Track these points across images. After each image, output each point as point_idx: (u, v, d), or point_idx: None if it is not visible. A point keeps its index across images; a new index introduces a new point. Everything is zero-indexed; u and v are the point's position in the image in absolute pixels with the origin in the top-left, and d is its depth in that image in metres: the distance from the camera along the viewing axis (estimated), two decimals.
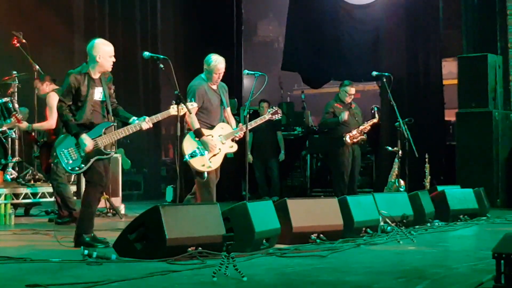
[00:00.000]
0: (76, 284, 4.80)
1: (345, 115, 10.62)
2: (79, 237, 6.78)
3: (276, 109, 8.65)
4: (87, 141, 6.74)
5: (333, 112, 10.80)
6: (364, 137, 10.81)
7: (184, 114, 7.43)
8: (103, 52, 6.90)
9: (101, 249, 6.17)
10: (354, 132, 10.67)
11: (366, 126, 10.81)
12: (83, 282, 4.83)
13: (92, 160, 6.83)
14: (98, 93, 6.92)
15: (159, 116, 7.10)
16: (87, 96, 6.82)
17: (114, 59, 6.98)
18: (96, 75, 6.92)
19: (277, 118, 8.75)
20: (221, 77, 8.23)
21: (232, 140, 8.20)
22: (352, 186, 10.82)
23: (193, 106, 7.34)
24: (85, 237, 6.76)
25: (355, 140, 10.70)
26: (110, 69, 7.00)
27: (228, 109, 8.38)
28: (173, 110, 7.08)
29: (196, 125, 7.99)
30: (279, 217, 6.97)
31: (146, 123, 6.96)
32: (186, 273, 5.27)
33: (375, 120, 10.95)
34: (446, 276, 5.30)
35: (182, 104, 6.98)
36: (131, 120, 6.99)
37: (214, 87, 8.26)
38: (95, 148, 6.82)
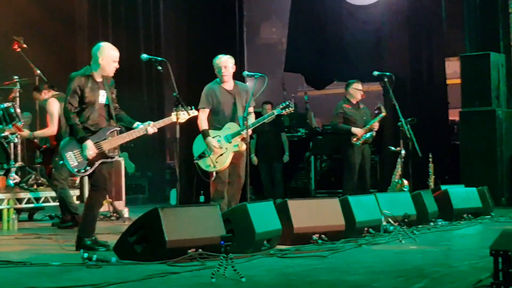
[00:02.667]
0: (75, 287, 4.80)
1: (358, 132, 10.52)
2: (80, 241, 6.79)
3: (288, 103, 8.58)
4: (90, 149, 6.75)
5: (343, 114, 10.74)
6: (368, 136, 10.69)
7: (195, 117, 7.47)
8: (107, 55, 6.90)
9: (101, 252, 6.18)
10: (360, 132, 10.56)
11: (374, 123, 10.67)
12: (83, 285, 4.83)
13: (97, 164, 6.85)
14: (102, 96, 6.94)
15: (161, 122, 7.14)
16: (91, 98, 6.83)
17: (117, 65, 6.97)
18: (99, 78, 6.92)
19: (288, 113, 8.70)
20: (229, 74, 8.31)
21: (242, 139, 8.18)
22: (364, 185, 10.72)
23: (193, 112, 7.33)
24: (86, 240, 6.76)
25: (362, 139, 10.61)
26: (111, 74, 7.00)
27: (250, 109, 8.29)
28: (174, 117, 7.12)
29: (203, 126, 8.12)
30: (280, 218, 6.95)
31: (151, 127, 6.98)
32: (185, 275, 5.26)
33: (383, 115, 10.79)
34: (446, 274, 5.28)
35: (181, 107, 6.98)
36: (135, 125, 7.01)
37: (228, 86, 8.34)
38: (99, 151, 6.84)
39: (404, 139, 10.22)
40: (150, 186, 15.30)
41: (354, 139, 10.52)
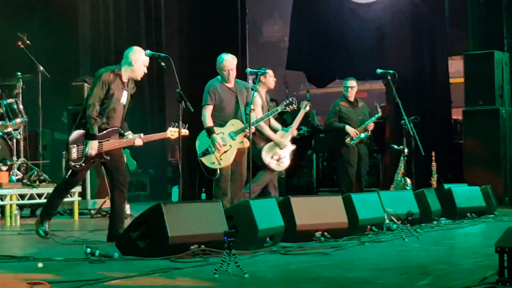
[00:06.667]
0: (78, 281, 4.78)
1: (351, 132, 10.54)
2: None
3: (291, 99, 8.63)
4: (93, 149, 6.99)
5: (339, 111, 10.75)
6: (363, 136, 10.66)
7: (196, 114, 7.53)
8: (141, 58, 7.16)
9: (104, 247, 6.16)
10: (353, 132, 10.55)
11: (369, 123, 10.69)
12: (86, 279, 4.81)
13: (91, 161, 7.12)
14: (124, 96, 7.17)
15: (152, 136, 7.41)
16: (116, 95, 7.06)
17: (146, 70, 7.24)
18: (125, 79, 7.16)
19: (292, 110, 8.76)
20: (233, 75, 8.41)
21: (245, 136, 8.23)
22: (359, 186, 10.77)
23: (186, 133, 7.38)
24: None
25: (356, 139, 10.60)
26: (139, 78, 7.26)
27: (252, 106, 8.38)
28: (169, 132, 7.38)
29: (208, 123, 8.17)
30: (283, 215, 6.93)
31: (139, 139, 7.24)
32: (188, 271, 5.25)
33: (378, 115, 10.82)
34: (450, 272, 5.26)
35: (184, 103, 7.01)
36: (126, 134, 7.23)
37: (230, 85, 8.41)
38: (99, 151, 7.05)
39: (407, 138, 10.21)
40: (152, 183, 15.29)
41: (348, 138, 10.53)
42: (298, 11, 14.92)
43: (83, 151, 7.01)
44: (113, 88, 7.02)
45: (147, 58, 7.20)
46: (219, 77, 8.45)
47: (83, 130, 7.05)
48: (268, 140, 9.24)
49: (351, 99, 10.84)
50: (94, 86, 7.01)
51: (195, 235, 6.00)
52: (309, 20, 14.76)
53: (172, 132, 7.36)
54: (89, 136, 6.98)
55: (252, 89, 8.97)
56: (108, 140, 7.07)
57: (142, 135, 7.32)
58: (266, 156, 9.20)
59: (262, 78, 9.24)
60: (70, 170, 7.12)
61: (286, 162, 9.35)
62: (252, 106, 8.25)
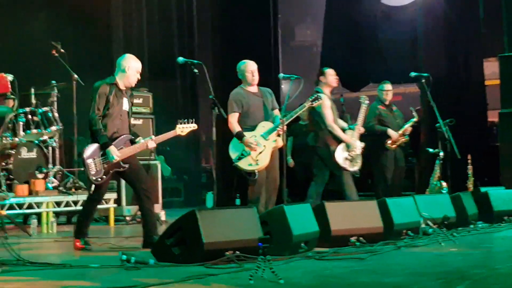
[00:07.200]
0: None
1: (393, 135, 10.47)
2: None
3: (316, 95, 8.63)
4: (115, 153, 7.02)
5: (379, 115, 10.68)
6: (405, 139, 10.65)
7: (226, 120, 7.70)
8: (133, 65, 7.22)
9: (139, 254, 6.19)
10: (395, 135, 10.51)
11: (407, 127, 10.65)
12: (122, 286, 4.84)
13: (111, 172, 7.13)
14: (125, 103, 7.24)
15: (163, 136, 7.34)
16: (115, 105, 7.11)
17: (139, 77, 7.29)
18: (122, 87, 7.23)
19: (318, 104, 8.74)
20: (256, 76, 8.41)
21: (277, 135, 8.23)
22: (396, 190, 10.65)
23: (195, 127, 7.40)
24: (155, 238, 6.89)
25: (396, 143, 10.56)
26: (133, 85, 7.31)
27: (276, 111, 8.48)
28: (178, 129, 7.32)
29: (236, 129, 8.17)
30: (318, 220, 6.91)
31: (152, 141, 7.27)
32: (223, 277, 5.25)
33: (415, 120, 10.78)
34: (487, 276, 5.20)
35: (217, 109, 7.01)
36: (137, 140, 7.27)
37: (253, 90, 8.43)
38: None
39: (442, 141, 10.13)
40: (186, 189, 15.35)
41: (389, 142, 10.45)
42: (330, 14, 14.88)
43: (104, 160, 7.03)
44: (112, 98, 7.08)
45: (140, 65, 7.28)
46: (241, 85, 8.49)
47: (96, 144, 7.08)
48: (339, 141, 9.25)
49: (388, 102, 10.77)
50: (93, 100, 7.07)
51: (230, 241, 5.99)
52: (342, 23, 14.71)
53: (181, 129, 7.33)
54: (104, 146, 7.02)
55: (317, 92, 9.00)
56: (121, 148, 7.12)
57: (153, 137, 7.37)
58: (340, 158, 9.20)
59: (322, 78, 9.32)
60: (93, 186, 7.11)
61: (359, 161, 9.32)
62: (275, 111, 8.31)
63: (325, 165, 9.32)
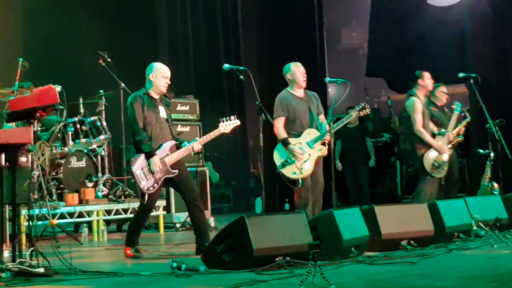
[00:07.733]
0: None
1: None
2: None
3: (363, 104, 8.55)
4: (156, 165, 7.09)
5: (431, 116, 10.52)
6: (460, 139, 10.45)
7: (269, 125, 7.54)
8: (157, 71, 7.29)
9: (190, 261, 6.21)
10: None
11: (461, 127, 10.46)
12: None
13: (162, 180, 7.18)
14: (162, 111, 7.32)
15: (208, 136, 7.36)
16: (152, 114, 7.19)
17: (169, 82, 7.33)
18: (155, 95, 7.30)
19: (365, 114, 8.66)
20: (305, 78, 8.34)
21: (323, 144, 8.18)
22: (453, 192, 10.42)
23: (237, 123, 7.42)
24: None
25: (452, 143, 10.37)
26: (164, 90, 7.35)
27: (321, 116, 8.41)
28: (222, 128, 7.35)
29: (282, 135, 8.09)
30: (368, 224, 6.86)
31: (197, 143, 7.29)
32: (274, 283, 5.24)
33: (468, 120, 10.61)
34: None
35: (264, 115, 7.01)
36: (183, 144, 7.32)
37: (300, 94, 8.36)
38: (164, 167, 7.15)
39: (493, 141, 10.00)
40: (235, 195, 15.40)
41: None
42: (376, 17, 14.80)
43: (150, 171, 7.10)
44: (147, 108, 7.16)
45: (166, 69, 7.31)
46: (288, 88, 8.39)
47: (142, 154, 7.14)
48: (428, 146, 9.24)
49: (440, 104, 10.57)
50: (131, 113, 7.19)
51: (280, 247, 5.98)
52: (388, 25, 14.61)
53: (225, 126, 7.35)
54: (148, 156, 7.09)
55: (411, 95, 8.91)
56: (168, 155, 7.18)
57: (197, 138, 7.42)
58: (428, 164, 9.20)
59: (419, 81, 9.33)
60: (146, 195, 7.15)
61: (445, 168, 9.31)
62: (321, 117, 8.28)
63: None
